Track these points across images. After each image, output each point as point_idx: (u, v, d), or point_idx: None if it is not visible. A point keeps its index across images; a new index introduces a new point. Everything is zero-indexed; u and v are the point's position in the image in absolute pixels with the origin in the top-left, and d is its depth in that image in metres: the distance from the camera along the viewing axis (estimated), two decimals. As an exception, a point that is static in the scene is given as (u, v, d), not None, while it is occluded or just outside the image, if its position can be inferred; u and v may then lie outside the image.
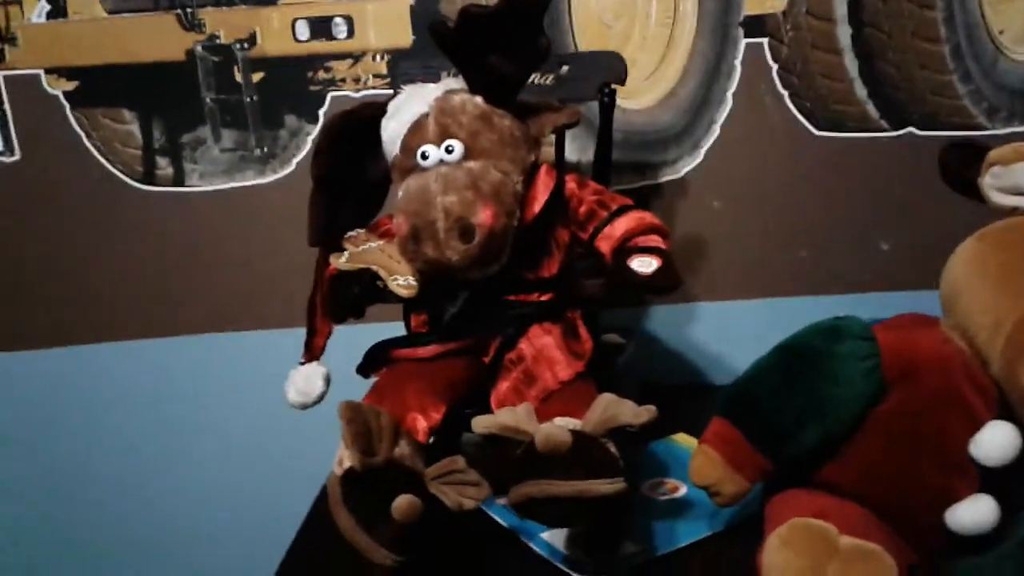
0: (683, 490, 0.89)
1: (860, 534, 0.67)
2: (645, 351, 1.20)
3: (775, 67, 1.14)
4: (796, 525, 0.67)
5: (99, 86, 1.16)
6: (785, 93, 1.15)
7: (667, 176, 1.18)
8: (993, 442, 0.68)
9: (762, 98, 1.15)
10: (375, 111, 0.85)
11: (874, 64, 1.14)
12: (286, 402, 0.84)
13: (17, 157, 1.19)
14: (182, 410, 1.27)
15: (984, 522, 0.69)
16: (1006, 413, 0.68)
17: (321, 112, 1.16)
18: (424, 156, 0.80)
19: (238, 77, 1.15)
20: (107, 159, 1.18)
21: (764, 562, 0.67)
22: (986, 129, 1.15)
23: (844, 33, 1.13)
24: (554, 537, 0.82)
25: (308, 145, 1.17)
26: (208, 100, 1.16)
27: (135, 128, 1.17)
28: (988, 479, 0.69)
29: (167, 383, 1.27)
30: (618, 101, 0.98)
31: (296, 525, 0.89)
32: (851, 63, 1.14)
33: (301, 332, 0.87)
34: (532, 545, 0.82)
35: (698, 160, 1.18)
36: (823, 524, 0.67)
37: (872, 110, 1.16)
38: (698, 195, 1.19)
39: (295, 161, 1.17)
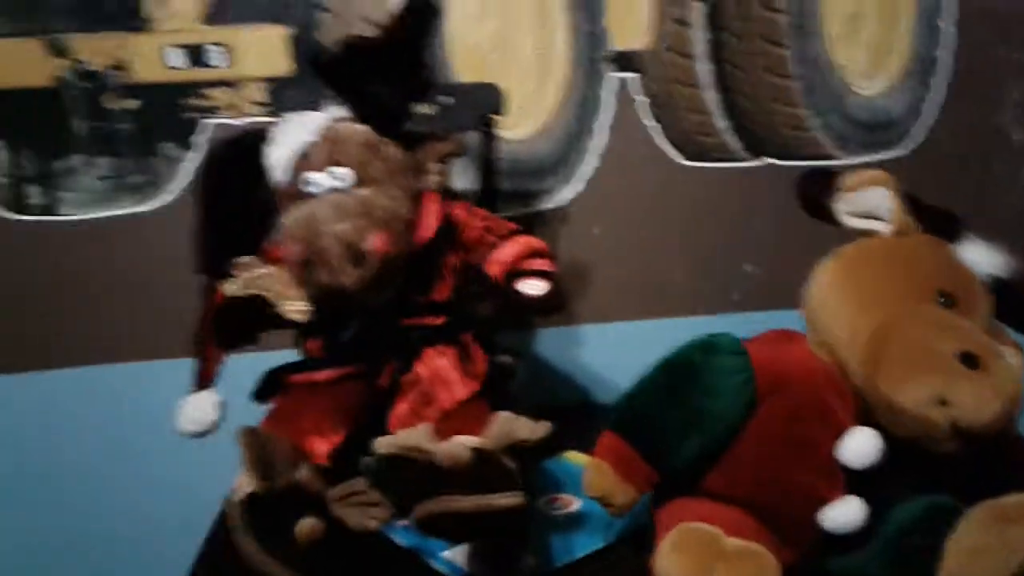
0: (576, 504, 0.92)
1: (743, 536, 0.72)
2: (533, 373, 1.24)
3: (645, 101, 1.20)
4: (685, 530, 0.72)
5: (-37, 114, 1.11)
6: (654, 125, 1.21)
7: (549, 204, 1.22)
8: (856, 446, 0.74)
9: (633, 130, 1.21)
10: (257, 138, 0.86)
11: (733, 98, 1.22)
12: (178, 432, 0.83)
13: None
14: (63, 444, 1.23)
15: (853, 521, 0.75)
16: (867, 420, 0.74)
17: (191, 139, 1.14)
18: (313, 183, 0.81)
19: (110, 104, 1.12)
20: (-25, 188, 1.13)
21: (657, 566, 0.71)
22: (838, 159, 1.24)
23: (704, 69, 1.20)
24: (455, 555, 0.83)
25: (183, 172, 1.14)
26: (79, 127, 1.12)
27: (2, 156, 1.12)
28: (855, 481, 0.75)
29: (44, 417, 1.22)
30: (499, 132, 1.01)
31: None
32: (711, 98, 1.21)
33: (185, 361, 0.86)
34: (434, 564, 0.83)
35: (578, 189, 1.22)
36: (710, 528, 0.72)
37: (733, 141, 1.23)
38: (579, 222, 1.23)
39: (170, 188, 1.15)
